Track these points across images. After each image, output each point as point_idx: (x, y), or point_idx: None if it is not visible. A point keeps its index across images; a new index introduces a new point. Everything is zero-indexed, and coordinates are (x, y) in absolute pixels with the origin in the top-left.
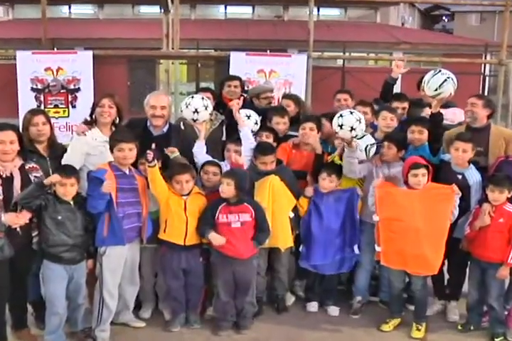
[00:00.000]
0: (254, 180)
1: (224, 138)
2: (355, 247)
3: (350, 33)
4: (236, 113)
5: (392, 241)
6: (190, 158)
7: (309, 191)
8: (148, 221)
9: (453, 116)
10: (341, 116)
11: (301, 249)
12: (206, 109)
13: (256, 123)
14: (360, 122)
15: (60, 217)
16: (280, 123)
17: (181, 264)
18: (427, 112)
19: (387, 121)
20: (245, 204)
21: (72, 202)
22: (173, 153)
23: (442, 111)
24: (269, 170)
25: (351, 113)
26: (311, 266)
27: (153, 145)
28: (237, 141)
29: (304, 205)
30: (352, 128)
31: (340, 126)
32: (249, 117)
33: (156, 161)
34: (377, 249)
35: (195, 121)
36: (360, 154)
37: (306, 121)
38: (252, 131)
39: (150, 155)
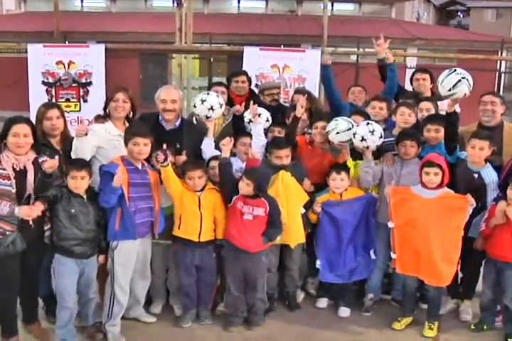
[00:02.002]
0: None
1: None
2: (372, 252)
3: (365, 28)
4: (255, 117)
5: (407, 248)
6: (200, 153)
7: (318, 207)
8: (161, 216)
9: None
10: (358, 125)
11: (318, 264)
12: (221, 107)
13: (267, 120)
14: (372, 134)
15: (73, 211)
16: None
17: (195, 261)
18: (443, 108)
19: (405, 116)
20: (262, 199)
21: (85, 196)
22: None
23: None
24: (283, 165)
25: (368, 124)
26: (333, 278)
27: (164, 146)
28: (248, 134)
29: (313, 218)
30: (363, 139)
31: (354, 135)
32: (259, 115)
33: (167, 161)
34: (393, 256)
35: (208, 118)
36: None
37: (319, 120)
38: (264, 129)
39: (161, 156)
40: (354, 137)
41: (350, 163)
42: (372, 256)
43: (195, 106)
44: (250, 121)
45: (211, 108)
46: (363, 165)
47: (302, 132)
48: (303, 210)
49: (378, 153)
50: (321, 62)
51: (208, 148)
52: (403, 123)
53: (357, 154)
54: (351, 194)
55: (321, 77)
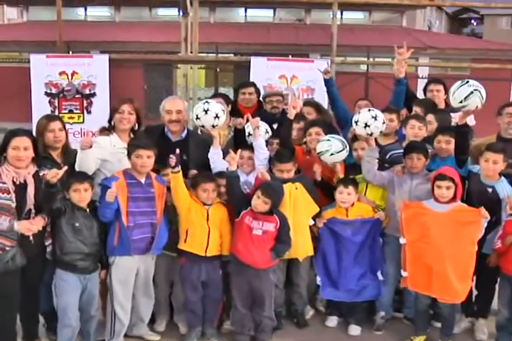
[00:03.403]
0: None
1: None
2: (379, 273)
3: (375, 37)
4: (255, 130)
5: (418, 265)
6: (207, 165)
7: (321, 222)
8: (162, 232)
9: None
10: (359, 112)
11: (319, 280)
12: (224, 113)
13: (266, 132)
14: (376, 120)
15: (77, 224)
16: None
17: (201, 276)
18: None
19: (415, 130)
20: (273, 214)
21: (88, 210)
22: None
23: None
24: (287, 179)
25: (369, 110)
26: (335, 295)
27: (177, 151)
28: (251, 147)
29: (315, 231)
30: (366, 125)
31: (356, 122)
32: (257, 128)
33: (179, 167)
34: (404, 274)
35: (214, 127)
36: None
37: (312, 125)
38: (266, 141)
39: (173, 160)
40: (356, 124)
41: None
42: (380, 277)
43: (198, 118)
44: (249, 134)
45: (216, 116)
46: (365, 155)
47: (299, 142)
48: (311, 222)
49: (388, 166)
50: (323, 77)
51: (216, 158)
52: (413, 136)
53: (357, 169)
54: (358, 211)
55: (326, 91)
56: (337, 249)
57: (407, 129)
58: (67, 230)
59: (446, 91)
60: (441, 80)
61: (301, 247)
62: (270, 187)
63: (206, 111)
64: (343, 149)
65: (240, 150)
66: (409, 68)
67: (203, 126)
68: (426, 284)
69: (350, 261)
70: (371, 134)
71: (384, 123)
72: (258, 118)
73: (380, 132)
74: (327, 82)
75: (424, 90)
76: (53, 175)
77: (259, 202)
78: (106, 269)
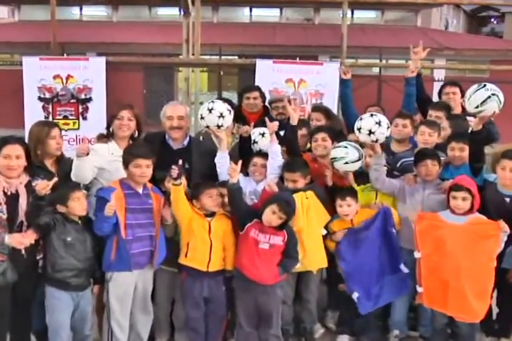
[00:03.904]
0: None
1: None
2: (402, 266)
3: (388, 37)
4: (272, 135)
5: (434, 280)
6: (210, 173)
7: (338, 237)
8: (161, 245)
9: None
10: (361, 119)
11: (356, 296)
12: (230, 113)
13: (262, 135)
14: (379, 125)
15: (69, 239)
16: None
17: (203, 292)
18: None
19: (425, 136)
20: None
21: (80, 222)
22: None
23: None
24: (298, 189)
25: (371, 115)
26: (373, 306)
27: (180, 161)
28: (265, 154)
29: (331, 246)
30: (370, 132)
31: (359, 130)
32: (263, 135)
33: (181, 179)
34: (419, 290)
35: (219, 127)
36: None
37: (318, 131)
38: None
39: (175, 171)
40: (360, 132)
41: (356, 187)
42: (405, 270)
43: (202, 118)
44: (255, 141)
45: (221, 115)
46: (372, 163)
47: (303, 149)
48: (324, 231)
49: (398, 174)
50: (340, 76)
51: (223, 162)
52: (423, 143)
53: (365, 177)
54: (363, 216)
55: (339, 92)
56: (361, 258)
57: (418, 136)
58: (59, 245)
59: (463, 95)
60: (457, 82)
61: (315, 258)
62: (287, 203)
63: (210, 110)
64: (359, 159)
65: (253, 157)
66: (425, 70)
67: (207, 127)
68: (442, 301)
69: (375, 264)
70: (376, 141)
71: (389, 128)
72: (276, 123)
73: (386, 138)
74: (343, 83)
75: (439, 93)
76: (43, 186)
77: (275, 218)
78: (99, 284)
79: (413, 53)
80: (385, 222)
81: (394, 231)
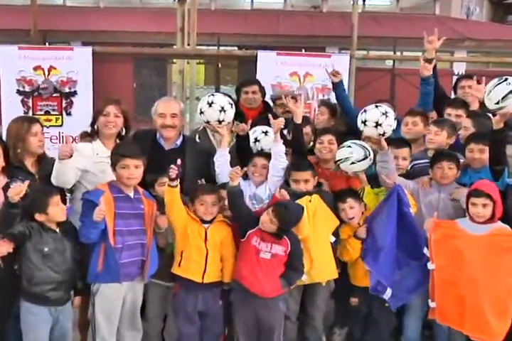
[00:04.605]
0: None
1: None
2: (426, 250)
3: (403, 27)
4: (276, 134)
5: (449, 295)
6: (207, 177)
7: (362, 232)
8: (153, 255)
9: None
10: (365, 111)
11: (388, 294)
12: (232, 106)
13: (266, 134)
14: (386, 116)
15: (46, 249)
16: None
17: (197, 306)
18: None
19: (431, 135)
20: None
21: (58, 230)
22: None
23: None
24: (304, 191)
25: (377, 106)
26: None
27: (179, 161)
28: (266, 154)
29: (355, 247)
30: (377, 124)
31: (364, 123)
32: (266, 133)
33: (178, 180)
34: (432, 305)
35: (220, 122)
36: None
37: (325, 133)
38: None
39: (174, 170)
40: (365, 125)
41: (368, 190)
42: (428, 254)
43: (202, 113)
44: (256, 140)
45: (222, 109)
46: (378, 159)
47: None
48: (332, 238)
49: (411, 177)
50: (331, 80)
51: (223, 161)
52: (428, 143)
53: (379, 180)
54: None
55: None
56: (384, 250)
57: (427, 135)
58: (35, 257)
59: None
60: (473, 75)
61: (323, 269)
62: (284, 208)
63: (211, 104)
64: (366, 157)
65: (253, 158)
66: (443, 64)
67: (207, 122)
68: (458, 318)
69: (396, 251)
70: (383, 134)
71: (396, 119)
72: (282, 119)
73: (393, 131)
74: (336, 87)
75: (455, 87)
76: (16, 191)
77: (266, 220)
78: (81, 295)
79: (427, 42)
80: (399, 201)
81: (411, 211)
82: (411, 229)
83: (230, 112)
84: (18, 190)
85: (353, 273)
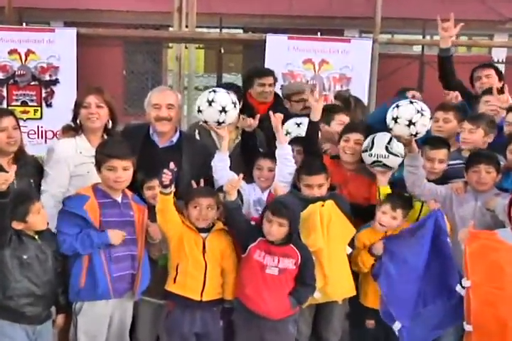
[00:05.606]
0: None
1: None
2: (459, 288)
3: (433, 7)
4: (278, 128)
5: (488, 317)
6: (206, 180)
7: (378, 248)
8: (144, 268)
9: None
10: (397, 106)
11: (397, 326)
12: (235, 106)
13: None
14: (422, 115)
15: (25, 257)
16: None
17: (194, 327)
18: None
19: (465, 134)
20: (291, 245)
21: (37, 237)
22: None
23: None
24: (317, 197)
25: (411, 102)
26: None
27: (172, 165)
28: (272, 156)
29: (366, 262)
30: (410, 123)
31: (395, 120)
32: (299, 125)
33: (172, 187)
34: (467, 328)
35: (220, 124)
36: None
37: (352, 130)
38: None
39: (167, 176)
40: (396, 122)
41: (384, 189)
42: (462, 292)
43: (200, 111)
44: (288, 132)
45: (223, 109)
46: (406, 162)
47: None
48: (349, 250)
49: (442, 181)
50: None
51: (222, 167)
52: (462, 143)
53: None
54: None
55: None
56: (405, 276)
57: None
58: (13, 265)
59: (501, 78)
60: (492, 64)
61: (340, 285)
62: (282, 205)
63: (210, 103)
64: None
65: (258, 159)
66: (480, 50)
67: (206, 122)
68: None
69: (423, 285)
70: (416, 135)
71: (431, 119)
72: (281, 115)
73: (427, 132)
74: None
75: (471, 78)
76: (1, 180)
77: (274, 228)
78: (64, 313)
79: (442, 30)
80: (437, 228)
81: (448, 240)
82: (446, 261)
83: (232, 113)
84: (3, 178)
85: (364, 292)
